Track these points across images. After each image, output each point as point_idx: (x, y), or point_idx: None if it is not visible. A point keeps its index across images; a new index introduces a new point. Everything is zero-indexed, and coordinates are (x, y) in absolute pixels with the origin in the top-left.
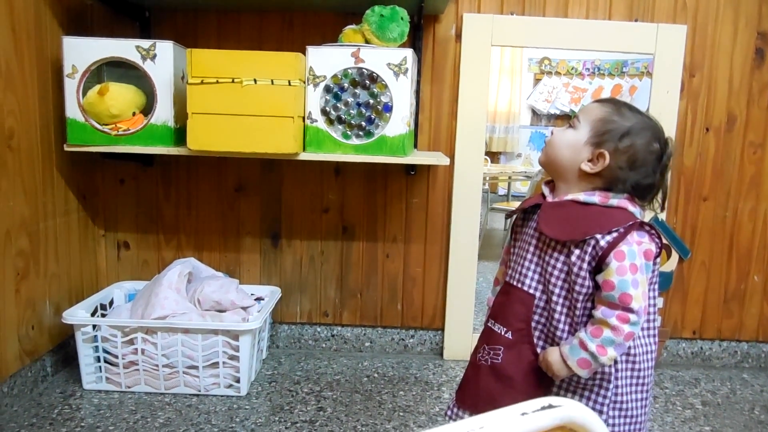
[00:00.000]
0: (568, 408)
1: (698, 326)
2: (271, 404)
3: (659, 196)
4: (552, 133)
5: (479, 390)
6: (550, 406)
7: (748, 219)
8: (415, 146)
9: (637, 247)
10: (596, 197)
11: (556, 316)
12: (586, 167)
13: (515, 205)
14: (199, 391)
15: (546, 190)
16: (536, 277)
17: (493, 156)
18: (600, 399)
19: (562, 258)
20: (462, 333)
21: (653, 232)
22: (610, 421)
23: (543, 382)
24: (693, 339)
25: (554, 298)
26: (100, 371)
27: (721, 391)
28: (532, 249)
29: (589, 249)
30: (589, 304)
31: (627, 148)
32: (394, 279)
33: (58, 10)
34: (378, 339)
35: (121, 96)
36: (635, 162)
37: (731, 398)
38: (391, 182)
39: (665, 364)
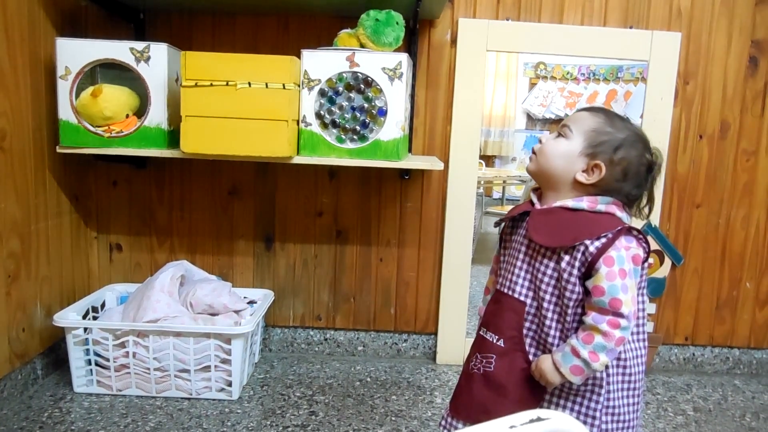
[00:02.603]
0: (556, 420)
1: (690, 332)
2: (263, 408)
3: (646, 205)
4: (541, 141)
5: (472, 399)
6: (539, 419)
7: (740, 226)
8: (410, 150)
9: (625, 252)
10: (584, 203)
11: (547, 322)
12: (581, 178)
13: (510, 209)
14: (191, 394)
15: (534, 198)
16: (526, 284)
17: (487, 160)
18: (593, 405)
19: (551, 264)
20: (455, 337)
21: (641, 236)
22: (603, 426)
23: (535, 390)
24: (685, 345)
25: (545, 304)
26: (91, 374)
27: (712, 398)
28: (521, 256)
29: (579, 255)
30: (579, 310)
31: (621, 160)
32: (388, 283)
33: (51, 11)
34: (371, 343)
35: (114, 98)
36: (628, 173)
37: (723, 405)
38: (385, 186)
39: (657, 370)
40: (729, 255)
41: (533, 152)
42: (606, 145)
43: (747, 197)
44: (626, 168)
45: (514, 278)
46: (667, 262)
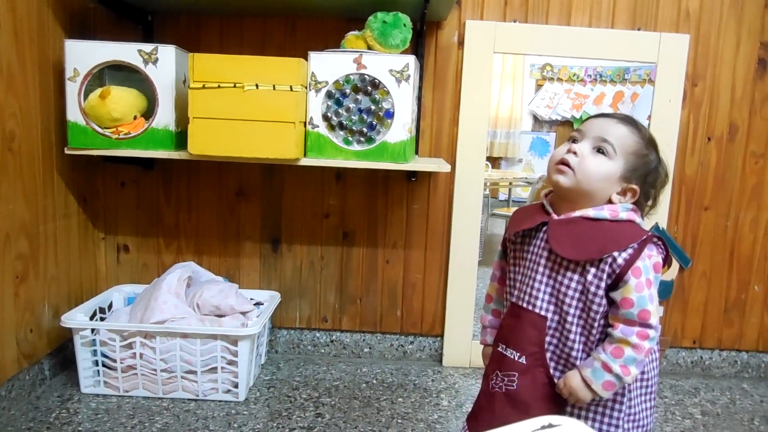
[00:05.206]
0: (568, 427)
1: (698, 335)
2: (269, 410)
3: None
4: (575, 152)
5: (494, 419)
6: (551, 426)
7: (749, 229)
8: (417, 152)
9: (648, 261)
10: (606, 212)
11: (572, 336)
12: (616, 199)
13: (516, 213)
14: (197, 396)
15: (546, 204)
16: (547, 297)
17: (494, 161)
18: (615, 414)
19: (576, 277)
20: (462, 340)
21: (660, 243)
22: None
23: (557, 405)
24: (693, 348)
25: (569, 318)
26: (99, 375)
27: (720, 401)
28: (541, 269)
29: (606, 267)
30: (602, 321)
31: (652, 184)
32: (394, 285)
33: (60, 13)
34: (377, 345)
35: (122, 99)
36: (654, 191)
37: (731, 408)
38: (391, 188)
39: (665, 373)
40: (737, 258)
41: (566, 165)
42: (641, 171)
43: (755, 200)
44: (654, 189)
45: (534, 292)
46: (675, 264)
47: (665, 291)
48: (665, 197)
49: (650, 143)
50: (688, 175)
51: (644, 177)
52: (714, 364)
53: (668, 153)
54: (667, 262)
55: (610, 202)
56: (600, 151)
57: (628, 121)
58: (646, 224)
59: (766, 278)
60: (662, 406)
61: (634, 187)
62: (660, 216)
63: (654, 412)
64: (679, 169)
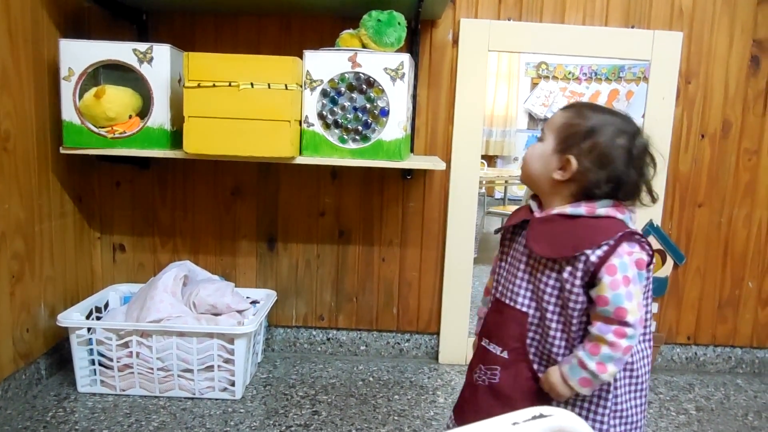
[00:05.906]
0: (558, 417)
1: (693, 332)
2: (265, 408)
3: (645, 191)
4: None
5: (479, 411)
6: (541, 416)
7: (742, 225)
8: (412, 150)
9: (628, 258)
10: (583, 208)
11: (552, 333)
12: (557, 175)
13: (512, 209)
14: (194, 394)
15: (533, 204)
16: (528, 294)
17: (489, 160)
18: (600, 410)
19: (553, 275)
20: (457, 337)
21: (643, 240)
22: (612, 430)
23: (542, 400)
24: (687, 344)
25: (548, 315)
26: (95, 374)
27: (715, 397)
28: (522, 266)
29: (581, 265)
30: (584, 318)
31: (591, 148)
32: (390, 283)
33: (55, 12)
34: (373, 343)
35: (117, 99)
36: (602, 160)
37: (725, 404)
38: (387, 186)
39: (660, 369)
40: (731, 254)
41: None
42: (575, 138)
43: (749, 196)
44: (597, 155)
45: (516, 288)
46: (669, 261)
47: (660, 288)
48: (659, 194)
49: (587, 110)
50: (682, 172)
51: (580, 142)
52: (708, 360)
53: (662, 150)
54: (662, 258)
55: (558, 183)
56: (539, 139)
57: (567, 105)
58: (640, 220)
59: (760, 274)
60: (657, 401)
61: (568, 156)
62: (654, 212)
63: (645, 409)
64: (672, 166)
